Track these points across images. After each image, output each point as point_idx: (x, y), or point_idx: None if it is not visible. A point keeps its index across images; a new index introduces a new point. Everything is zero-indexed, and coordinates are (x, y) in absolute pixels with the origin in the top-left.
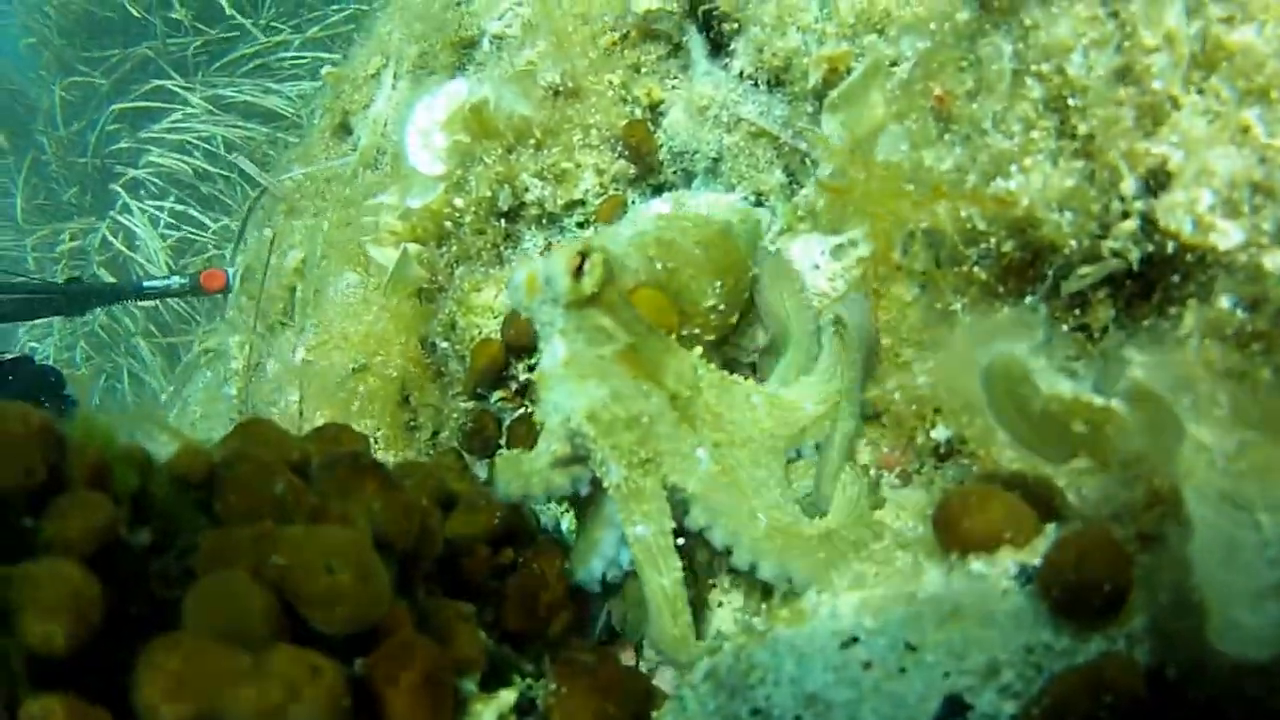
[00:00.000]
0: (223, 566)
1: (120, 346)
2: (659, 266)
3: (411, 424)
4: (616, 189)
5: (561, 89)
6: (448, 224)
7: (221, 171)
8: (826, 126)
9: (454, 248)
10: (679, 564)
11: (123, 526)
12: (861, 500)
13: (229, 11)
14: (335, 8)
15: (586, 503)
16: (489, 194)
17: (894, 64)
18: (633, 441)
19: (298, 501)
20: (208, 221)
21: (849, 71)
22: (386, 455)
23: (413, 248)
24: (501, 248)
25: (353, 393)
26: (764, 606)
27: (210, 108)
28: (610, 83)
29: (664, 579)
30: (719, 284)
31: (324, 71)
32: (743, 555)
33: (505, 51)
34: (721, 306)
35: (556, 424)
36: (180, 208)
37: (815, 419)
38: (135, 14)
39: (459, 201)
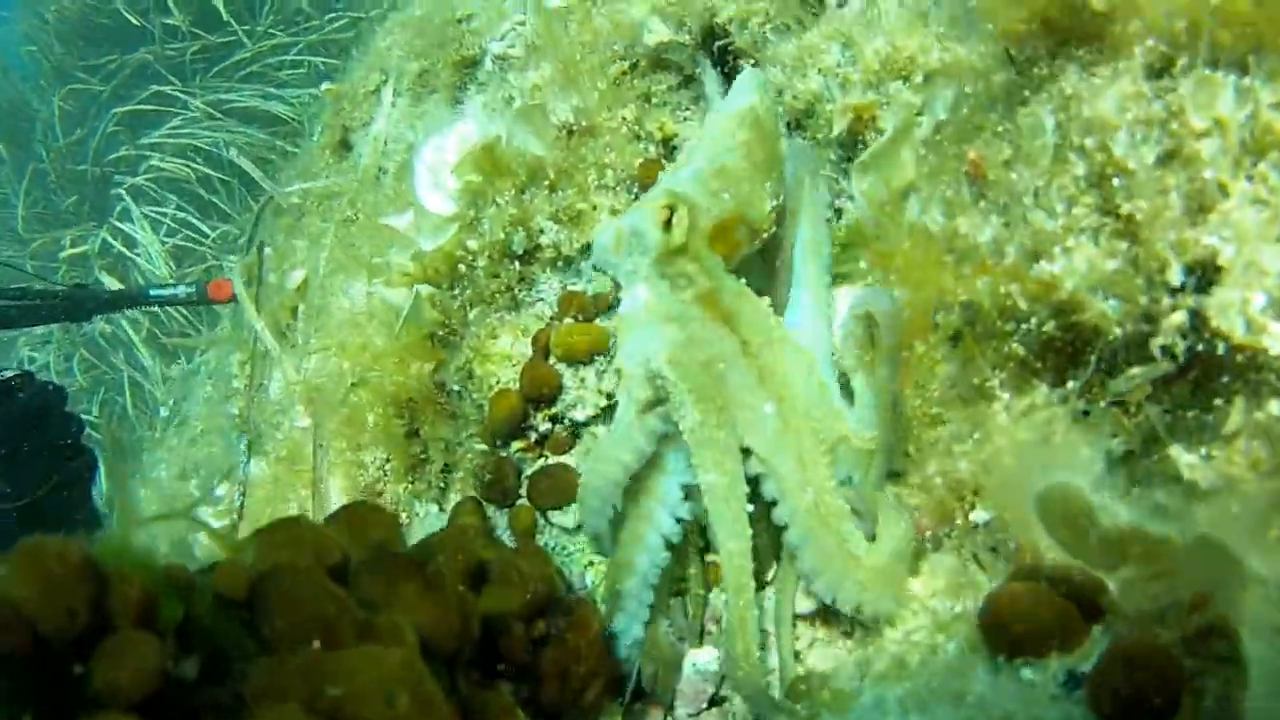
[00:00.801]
0: (276, 701)
1: (120, 354)
2: (725, 197)
3: (422, 456)
4: None
5: (575, 127)
6: (461, 266)
7: (222, 176)
8: (857, 187)
9: (468, 291)
10: (748, 527)
11: (170, 661)
12: (904, 542)
13: (226, 17)
14: (330, 17)
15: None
16: (503, 236)
17: (919, 113)
18: (709, 385)
19: (344, 617)
20: (206, 229)
21: (874, 119)
22: (397, 489)
23: (425, 290)
24: (516, 290)
25: (359, 421)
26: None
27: (211, 111)
28: (623, 119)
29: (733, 543)
30: (771, 181)
31: (323, 88)
32: (783, 515)
33: (509, 73)
34: (779, 200)
35: (637, 367)
36: (180, 214)
37: (850, 439)
38: (132, 21)
39: (472, 244)
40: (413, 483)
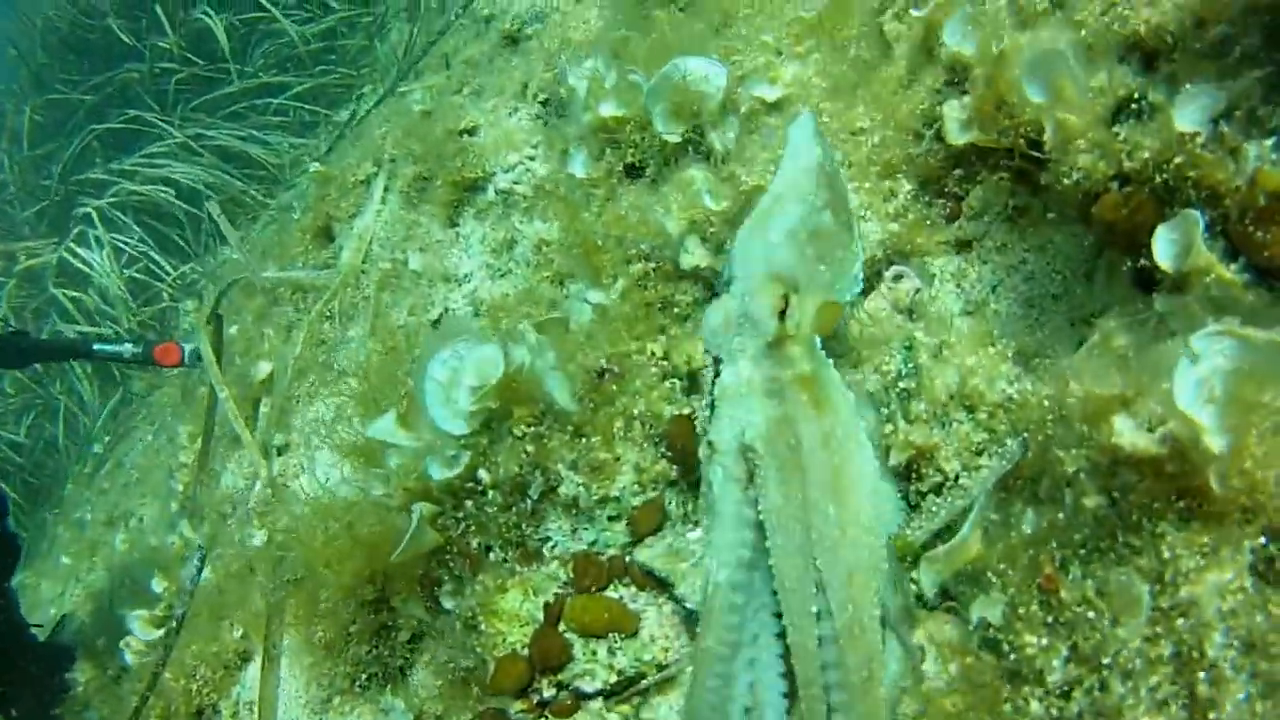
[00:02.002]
0: None
1: (58, 383)
2: (822, 269)
3: (389, 625)
4: (656, 489)
5: (605, 371)
6: (469, 498)
7: (192, 211)
8: (924, 580)
9: (473, 525)
10: (813, 620)
11: None
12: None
13: (225, 46)
14: (321, 68)
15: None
16: (517, 471)
17: (979, 452)
18: (794, 468)
19: None
20: (168, 267)
21: (932, 456)
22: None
23: (427, 509)
24: (525, 527)
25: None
26: None
27: (189, 141)
28: (652, 353)
29: (799, 635)
30: (854, 241)
31: (311, 169)
32: (822, 629)
33: (514, 213)
34: (862, 260)
35: (730, 438)
36: (142, 246)
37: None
38: (124, 39)
39: (484, 476)
40: (375, 648)
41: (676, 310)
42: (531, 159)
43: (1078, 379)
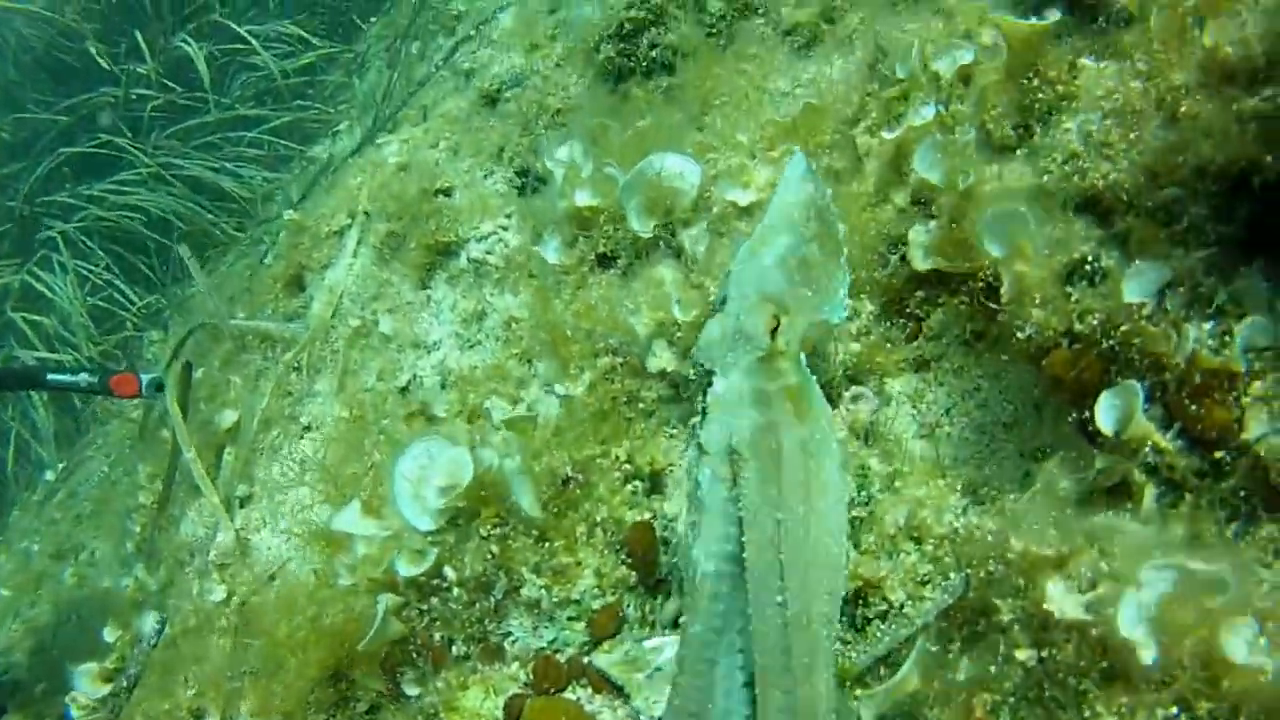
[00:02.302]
0: None
1: (10, 407)
2: (809, 293)
3: (347, 695)
4: (615, 594)
5: (570, 479)
6: (435, 580)
7: (161, 240)
8: (864, 712)
9: (437, 619)
10: (783, 614)
11: None
12: None
13: (203, 73)
14: (299, 103)
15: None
16: (482, 570)
17: (924, 582)
18: (774, 471)
19: None
20: (133, 296)
21: (879, 586)
22: None
23: (392, 601)
24: (487, 623)
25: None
26: None
27: (160, 170)
28: (616, 457)
29: (766, 626)
30: (840, 270)
31: (286, 216)
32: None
33: (486, 283)
34: (847, 286)
35: (719, 442)
36: (108, 275)
37: None
38: (102, 65)
39: (450, 573)
40: (333, 718)
41: (642, 406)
42: (505, 229)
43: (1017, 532)
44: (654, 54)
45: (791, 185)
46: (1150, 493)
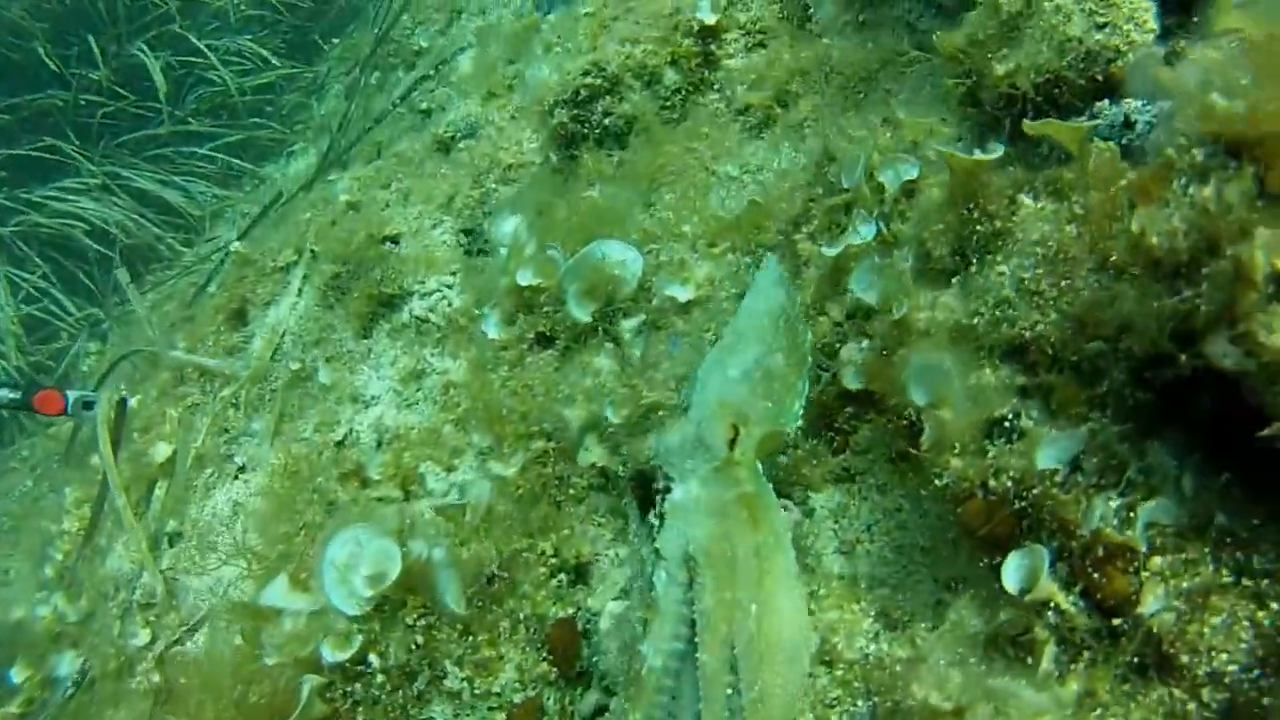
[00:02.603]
0: None
1: None
2: (769, 405)
3: None
4: (535, 689)
5: (495, 577)
6: (359, 665)
7: (103, 250)
8: None
9: (360, 704)
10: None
11: None
12: None
13: (158, 83)
14: (255, 120)
15: None
16: (406, 659)
17: (832, 705)
18: (728, 577)
19: None
20: (71, 307)
21: None
22: None
23: (317, 681)
24: (410, 709)
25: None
26: None
27: (106, 180)
28: (543, 551)
29: (712, 708)
30: (801, 379)
31: (231, 248)
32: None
33: (426, 343)
34: (805, 396)
35: (676, 549)
36: (44, 284)
37: None
38: (52, 66)
39: (374, 660)
40: None
41: (572, 492)
42: (450, 287)
43: (919, 678)
44: (607, 122)
45: (763, 291)
46: (1050, 651)
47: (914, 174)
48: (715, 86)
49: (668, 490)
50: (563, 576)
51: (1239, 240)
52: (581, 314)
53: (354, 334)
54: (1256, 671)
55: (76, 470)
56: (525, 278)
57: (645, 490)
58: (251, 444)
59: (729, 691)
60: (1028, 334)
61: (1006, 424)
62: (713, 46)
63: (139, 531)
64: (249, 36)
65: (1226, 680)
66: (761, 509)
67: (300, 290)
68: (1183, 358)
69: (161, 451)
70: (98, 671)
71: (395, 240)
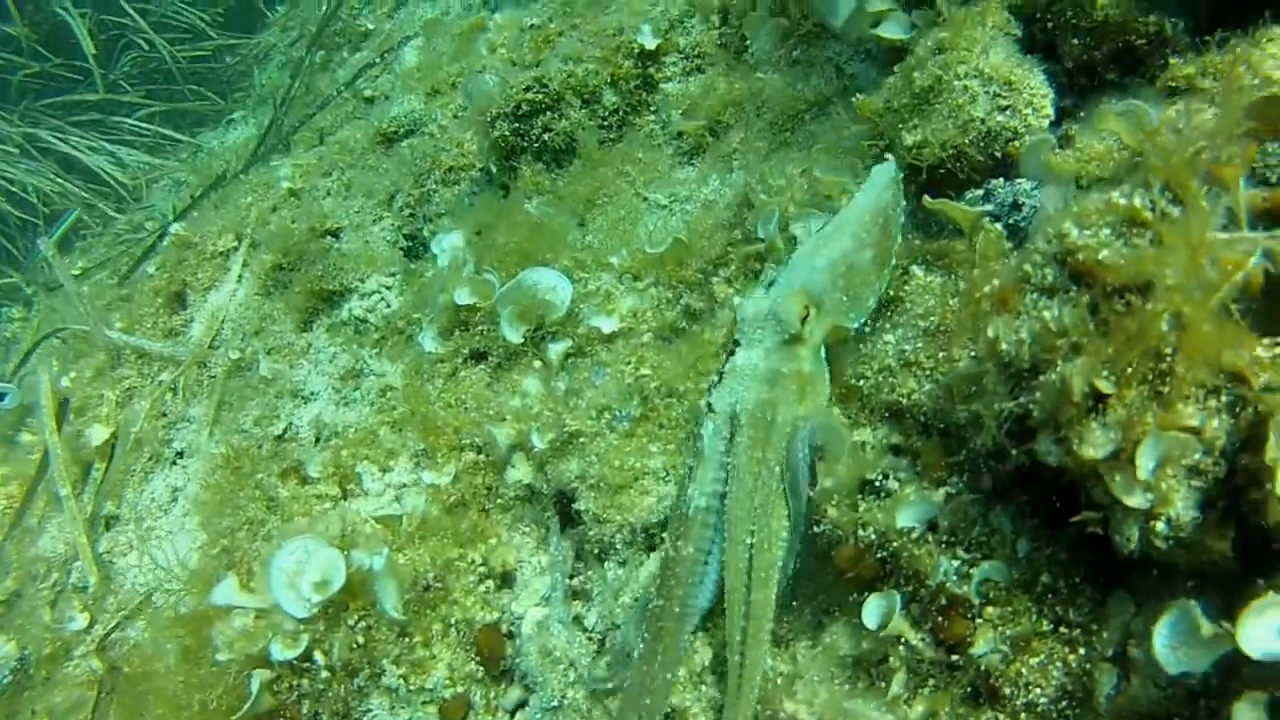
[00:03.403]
0: None
1: None
2: (844, 299)
3: None
4: (464, 686)
5: (429, 586)
6: (305, 662)
7: (27, 220)
8: None
9: (305, 697)
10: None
11: None
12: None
13: (84, 43)
14: (194, 88)
15: None
16: (348, 658)
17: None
18: (764, 440)
19: None
20: None
21: None
22: None
23: (264, 675)
24: (351, 701)
25: None
26: None
27: (26, 145)
28: (473, 560)
29: (733, 548)
30: (881, 280)
31: (172, 230)
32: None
33: (365, 342)
34: (880, 297)
35: (726, 406)
36: None
37: None
38: None
39: (319, 658)
40: None
41: (500, 501)
42: (389, 288)
43: (791, 695)
44: (546, 138)
45: (873, 189)
46: (900, 678)
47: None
48: (652, 109)
49: (732, 353)
50: (490, 583)
51: (1069, 359)
52: (513, 336)
53: (294, 327)
54: (1064, 703)
55: (6, 449)
56: (462, 297)
57: (566, 508)
58: (190, 430)
59: (748, 540)
60: (904, 401)
61: (877, 484)
62: (652, 70)
63: (78, 515)
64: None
65: (1039, 709)
66: (812, 388)
67: (240, 277)
68: (1014, 453)
69: (98, 434)
70: (35, 655)
71: (336, 234)
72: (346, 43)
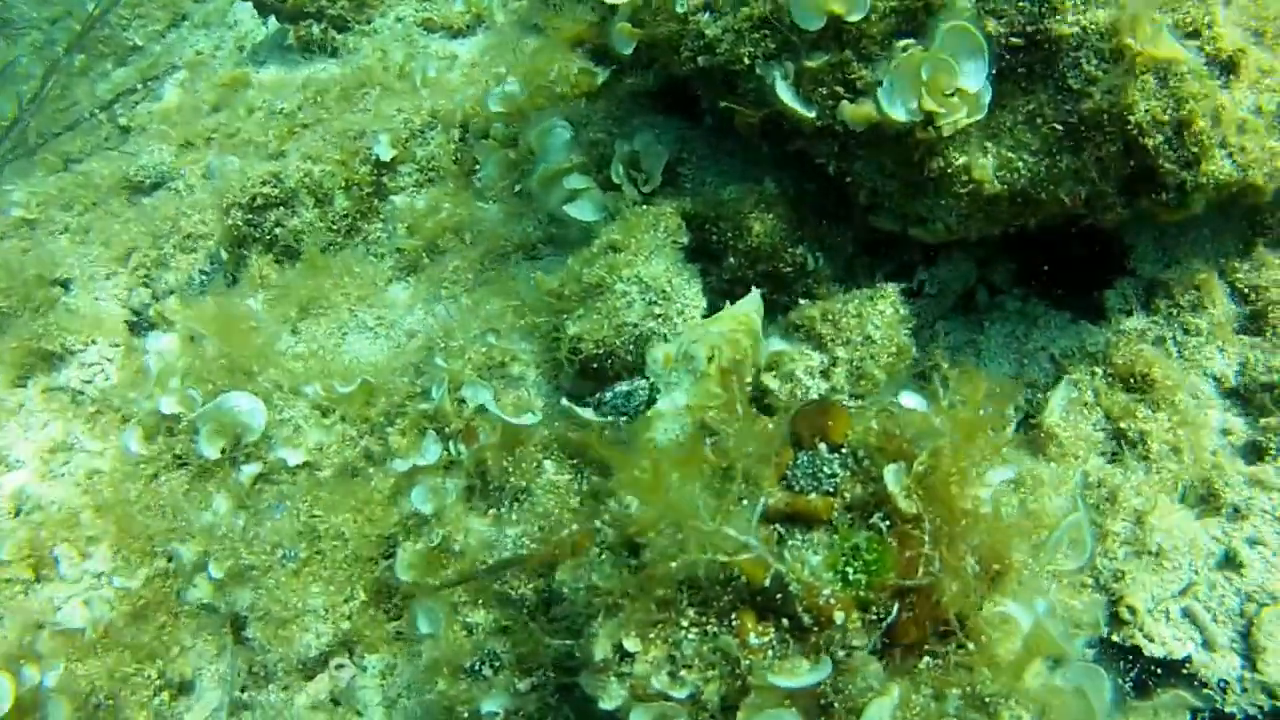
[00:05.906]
0: None
1: None
2: (727, 351)
3: None
4: None
5: (99, 705)
6: None
7: None
8: None
9: None
10: None
11: None
12: None
13: None
14: None
15: None
16: None
17: None
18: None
19: None
20: None
21: None
22: None
23: None
24: None
25: None
26: None
27: None
28: (149, 676)
29: None
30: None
31: None
32: None
33: (80, 415)
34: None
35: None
36: None
37: None
38: None
39: None
40: None
41: (186, 607)
42: (110, 360)
43: None
44: (278, 233)
45: (740, 305)
46: None
47: (488, 398)
48: (381, 217)
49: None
50: (165, 695)
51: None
52: (210, 452)
53: (5, 382)
54: None
55: None
56: (167, 406)
57: (240, 630)
58: None
59: None
60: (512, 595)
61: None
62: (385, 179)
63: None
64: None
65: None
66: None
67: None
68: None
69: None
70: None
71: (66, 286)
72: (111, 54)
